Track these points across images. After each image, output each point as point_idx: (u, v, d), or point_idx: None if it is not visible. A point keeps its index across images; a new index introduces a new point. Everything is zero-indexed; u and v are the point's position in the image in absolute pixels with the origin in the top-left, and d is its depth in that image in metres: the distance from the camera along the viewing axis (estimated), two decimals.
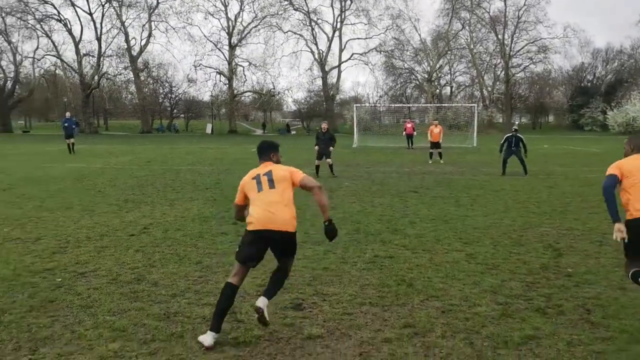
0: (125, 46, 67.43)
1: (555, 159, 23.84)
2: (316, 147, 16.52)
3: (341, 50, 73.35)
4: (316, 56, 72.97)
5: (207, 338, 4.16)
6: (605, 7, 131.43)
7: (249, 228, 4.38)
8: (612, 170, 5.29)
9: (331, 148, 16.29)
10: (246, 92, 76.97)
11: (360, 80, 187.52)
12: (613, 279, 5.88)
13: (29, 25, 63.77)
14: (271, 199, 4.37)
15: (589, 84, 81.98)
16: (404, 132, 32.98)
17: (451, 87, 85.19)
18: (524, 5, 74.11)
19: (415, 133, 32.86)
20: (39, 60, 67.98)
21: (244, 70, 73.47)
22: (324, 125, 17.00)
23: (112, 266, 6.37)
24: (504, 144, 17.42)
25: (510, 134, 17.35)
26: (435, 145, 22.67)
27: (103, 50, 67.02)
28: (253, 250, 4.38)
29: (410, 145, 32.05)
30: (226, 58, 71.18)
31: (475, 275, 6.03)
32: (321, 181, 14.92)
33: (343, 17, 72.35)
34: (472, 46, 75.63)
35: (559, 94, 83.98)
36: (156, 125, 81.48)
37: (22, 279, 5.84)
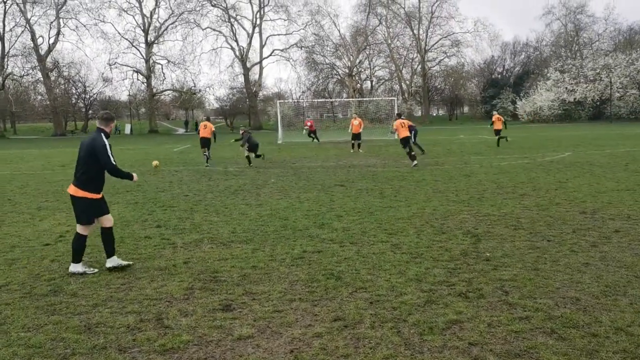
0: (32, 45, 63.58)
1: (471, 149, 24.92)
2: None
3: (262, 47, 73.03)
4: (237, 53, 72.20)
5: None
6: (512, 0, 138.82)
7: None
8: (394, 127, 18.00)
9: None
10: (166, 90, 74.94)
11: (283, 77, 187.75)
12: (527, 260, 6.22)
13: None
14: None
15: (499, 76, 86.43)
16: (305, 130, 34.01)
17: (371, 82, 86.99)
18: (437, 1, 76.93)
19: (315, 129, 34.54)
20: None
21: (162, 68, 71.53)
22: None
23: (26, 279, 5.99)
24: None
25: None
26: (355, 136, 25.03)
27: (7, 49, 62.94)
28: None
29: (316, 139, 33.22)
30: (143, 56, 68.93)
31: (400, 264, 6.18)
32: (251, 174, 14.80)
33: (262, 13, 71.99)
34: (389, 41, 77.53)
35: (472, 86, 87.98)
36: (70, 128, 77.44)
37: None
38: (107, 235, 6.31)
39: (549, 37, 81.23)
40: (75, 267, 6.12)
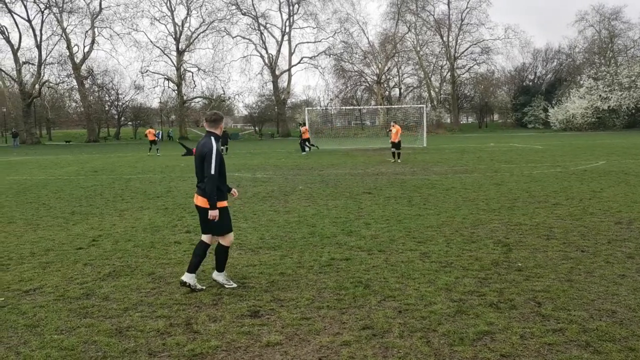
0: (67, 53, 65.35)
1: (501, 157, 24.57)
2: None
3: (291, 54, 73.55)
4: (266, 60, 72.89)
5: None
6: (543, 7, 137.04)
7: None
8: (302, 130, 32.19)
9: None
10: (196, 97, 76.04)
11: (311, 84, 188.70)
12: (561, 271, 6.07)
13: None
14: None
15: (531, 83, 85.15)
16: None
17: (400, 89, 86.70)
18: (467, 8, 76.45)
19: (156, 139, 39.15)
20: None
21: (193, 76, 72.68)
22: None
23: (59, 282, 6.11)
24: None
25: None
26: (394, 145, 23.62)
27: (43, 57, 64.74)
28: None
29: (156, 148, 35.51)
30: (174, 64, 70.13)
31: (429, 273, 6.11)
32: (279, 181, 14.87)
33: (292, 21, 72.59)
34: (418, 48, 77.21)
35: (503, 94, 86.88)
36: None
37: None
38: (222, 250, 5.89)
39: (582, 43, 79.79)
40: (219, 276, 5.82)
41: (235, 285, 5.79)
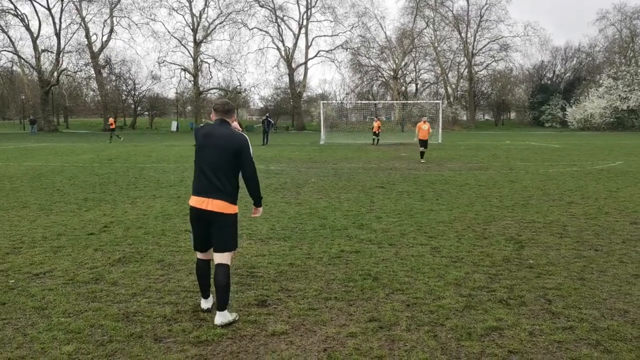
0: (86, 42, 65.84)
1: (517, 154, 24.32)
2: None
3: (307, 48, 73.31)
4: (282, 53, 72.76)
5: None
6: (564, 5, 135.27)
7: None
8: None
9: None
10: (212, 89, 76.17)
11: (327, 78, 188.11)
12: (573, 269, 5.98)
13: None
14: None
15: (549, 82, 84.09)
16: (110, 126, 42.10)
17: (416, 85, 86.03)
18: (486, 4, 75.60)
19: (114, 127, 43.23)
20: None
21: (209, 67, 72.78)
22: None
23: (69, 266, 6.15)
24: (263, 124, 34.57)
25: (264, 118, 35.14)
26: (424, 143, 21.20)
27: (62, 46, 65.29)
28: None
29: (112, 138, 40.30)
30: (191, 55, 70.28)
31: (439, 268, 6.05)
32: (292, 173, 14.83)
33: (309, 14, 72.36)
34: (436, 44, 76.58)
35: (520, 92, 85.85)
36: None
37: None
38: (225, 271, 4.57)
39: (603, 42, 78.54)
40: (226, 316, 4.48)
41: (237, 316, 4.63)
